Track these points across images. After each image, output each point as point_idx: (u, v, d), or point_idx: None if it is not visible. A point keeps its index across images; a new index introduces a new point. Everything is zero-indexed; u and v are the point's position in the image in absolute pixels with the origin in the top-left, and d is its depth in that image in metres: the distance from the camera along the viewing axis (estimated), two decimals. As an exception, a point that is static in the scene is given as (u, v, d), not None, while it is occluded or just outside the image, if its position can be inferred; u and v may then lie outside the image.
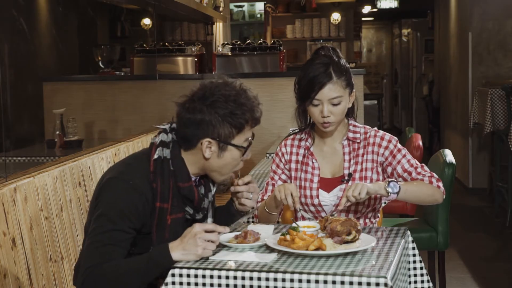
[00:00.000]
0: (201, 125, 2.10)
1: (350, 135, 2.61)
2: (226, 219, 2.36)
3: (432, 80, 10.51)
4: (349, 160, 2.58)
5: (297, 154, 2.66)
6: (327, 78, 2.48)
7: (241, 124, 2.11)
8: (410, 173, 2.56)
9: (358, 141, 2.60)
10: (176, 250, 1.99)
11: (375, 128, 2.64)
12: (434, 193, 2.51)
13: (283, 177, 2.68)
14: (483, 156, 7.36)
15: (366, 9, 13.82)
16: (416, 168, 2.56)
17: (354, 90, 2.58)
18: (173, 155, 2.14)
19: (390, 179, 2.40)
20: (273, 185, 2.67)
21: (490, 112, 6.26)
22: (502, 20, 7.25)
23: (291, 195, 2.37)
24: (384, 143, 2.58)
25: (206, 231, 2.01)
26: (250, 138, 2.17)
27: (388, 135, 2.61)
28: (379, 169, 2.59)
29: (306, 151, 2.64)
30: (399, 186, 2.39)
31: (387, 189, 2.38)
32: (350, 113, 2.64)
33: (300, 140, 2.68)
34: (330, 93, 2.48)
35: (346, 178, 2.56)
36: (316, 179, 2.59)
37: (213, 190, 2.27)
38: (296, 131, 2.72)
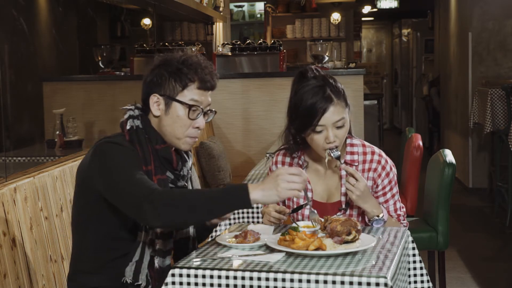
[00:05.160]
0: (150, 83, 2.19)
1: (348, 158, 2.45)
2: (200, 233, 2.39)
3: (432, 80, 10.51)
4: None
5: None
6: (328, 101, 2.31)
7: (185, 81, 2.16)
8: (391, 216, 2.50)
9: (356, 163, 2.45)
10: (255, 190, 1.95)
11: (378, 151, 2.48)
12: None
13: None
14: (483, 156, 7.36)
15: (366, 9, 13.82)
16: (398, 215, 2.50)
17: (350, 108, 2.42)
18: (144, 124, 2.20)
19: (384, 217, 2.37)
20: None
21: (490, 112, 6.26)
22: (502, 20, 7.25)
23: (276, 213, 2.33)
24: (383, 174, 2.46)
25: (290, 174, 1.97)
26: (199, 103, 2.17)
27: (389, 166, 2.47)
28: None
29: None
30: (382, 225, 2.38)
31: (372, 221, 2.37)
32: None
33: (292, 157, 2.51)
34: (334, 117, 2.32)
35: (344, 207, 2.43)
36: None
37: (190, 161, 2.30)
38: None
